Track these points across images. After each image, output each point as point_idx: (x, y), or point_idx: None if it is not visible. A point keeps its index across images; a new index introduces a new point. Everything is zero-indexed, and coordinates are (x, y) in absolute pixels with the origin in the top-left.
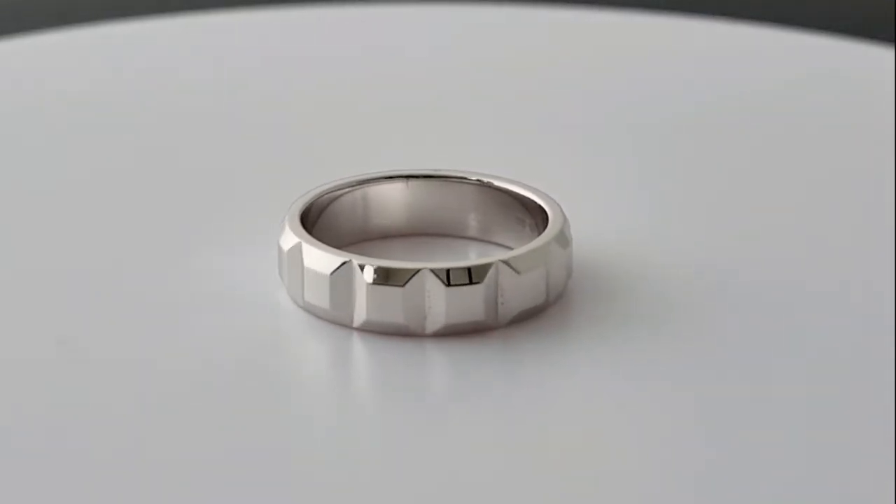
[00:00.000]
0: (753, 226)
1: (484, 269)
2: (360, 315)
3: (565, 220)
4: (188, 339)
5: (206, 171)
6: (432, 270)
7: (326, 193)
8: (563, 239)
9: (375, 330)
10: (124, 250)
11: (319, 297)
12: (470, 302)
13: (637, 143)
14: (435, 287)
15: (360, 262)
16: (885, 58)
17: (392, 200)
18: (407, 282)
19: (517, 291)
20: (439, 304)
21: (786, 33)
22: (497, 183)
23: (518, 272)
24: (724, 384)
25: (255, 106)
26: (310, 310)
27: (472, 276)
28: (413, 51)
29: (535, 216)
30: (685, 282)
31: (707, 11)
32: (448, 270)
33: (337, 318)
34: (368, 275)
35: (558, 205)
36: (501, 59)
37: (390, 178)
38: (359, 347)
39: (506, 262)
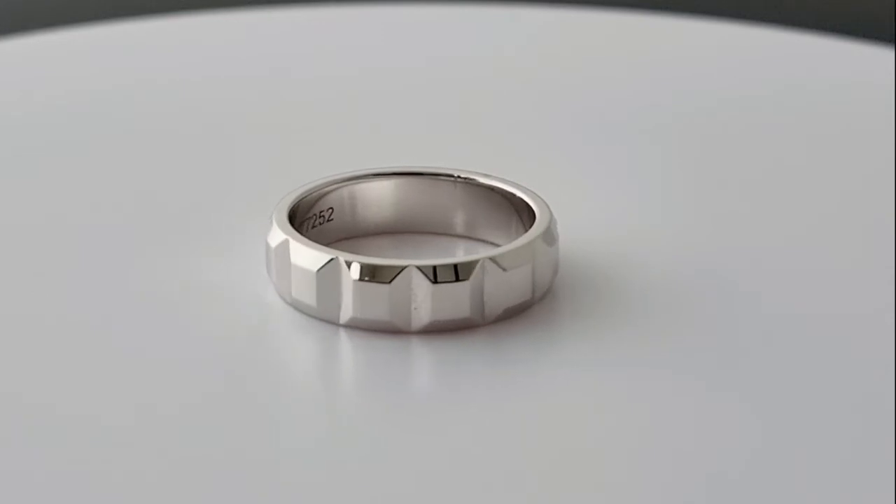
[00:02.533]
0: (745, 225)
1: (393, 270)
2: (292, 291)
3: (552, 217)
4: (173, 307)
5: (199, 168)
6: (346, 261)
7: (314, 191)
8: (549, 237)
9: (295, 307)
10: (117, 245)
11: (267, 268)
12: (377, 298)
13: (631, 142)
14: (346, 278)
15: (296, 241)
16: (885, 58)
17: (379, 198)
18: (321, 268)
19: (432, 298)
20: (348, 294)
21: (786, 33)
22: (483, 180)
23: (433, 281)
24: (713, 379)
25: (248, 105)
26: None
27: (376, 274)
28: (404, 50)
29: (522, 214)
30: (672, 279)
31: (707, 11)
32: (361, 266)
33: (279, 292)
34: (295, 255)
35: (545, 202)
36: (497, 58)
37: (378, 175)
38: (279, 318)
39: (419, 269)
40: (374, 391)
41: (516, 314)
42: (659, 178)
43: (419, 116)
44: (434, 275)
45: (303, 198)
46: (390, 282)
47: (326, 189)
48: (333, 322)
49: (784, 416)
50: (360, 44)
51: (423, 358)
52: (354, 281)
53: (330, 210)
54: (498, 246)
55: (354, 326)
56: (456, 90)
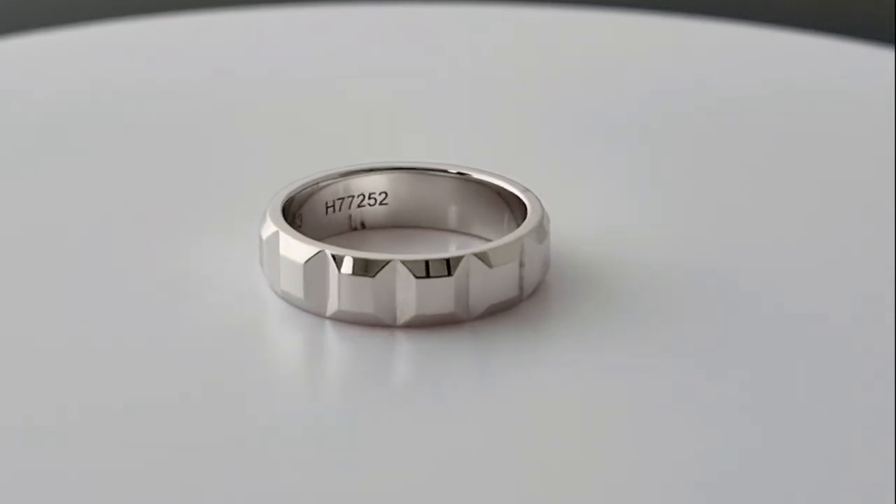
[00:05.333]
0: (742, 225)
1: (379, 264)
2: (280, 283)
3: (544, 213)
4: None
5: (197, 165)
6: (333, 255)
7: (309, 186)
8: (539, 233)
9: (286, 299)
10: (116, 241)
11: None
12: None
13: (629, 141)
14: (335, 270)
15: (286, 234)
16: (885, 58)
17: (322, 204)
18: (308, 261)
19: (416, 292)
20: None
21: (786, 33)
22: (477, 176)
23: (417, 276)
24: (704, 376)
25: (246, 102)
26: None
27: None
28: (403, 50)
29: (515, 210)
30: (667, 279)
31: (707, 11)
32: (299, 256)
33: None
34: (284, 247)
35: (537, 198)
36: (496, 58)
37: (371, 170)
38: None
39: (404, 263)
40: (355, 382)
41: (502, 311)
42: (657, 177)
43: (418, 114)
44: (489, 262)
45: (297, 192)
46: (452, 273)
47: (320, 184)
48: (320, 314)
49: (778, 412)
50: (359, 43)
51: (406, 352)
52: (281, 255)
53: (384, 194)
54: (489, 241)
55: (341, 319)
56: (454, 89)
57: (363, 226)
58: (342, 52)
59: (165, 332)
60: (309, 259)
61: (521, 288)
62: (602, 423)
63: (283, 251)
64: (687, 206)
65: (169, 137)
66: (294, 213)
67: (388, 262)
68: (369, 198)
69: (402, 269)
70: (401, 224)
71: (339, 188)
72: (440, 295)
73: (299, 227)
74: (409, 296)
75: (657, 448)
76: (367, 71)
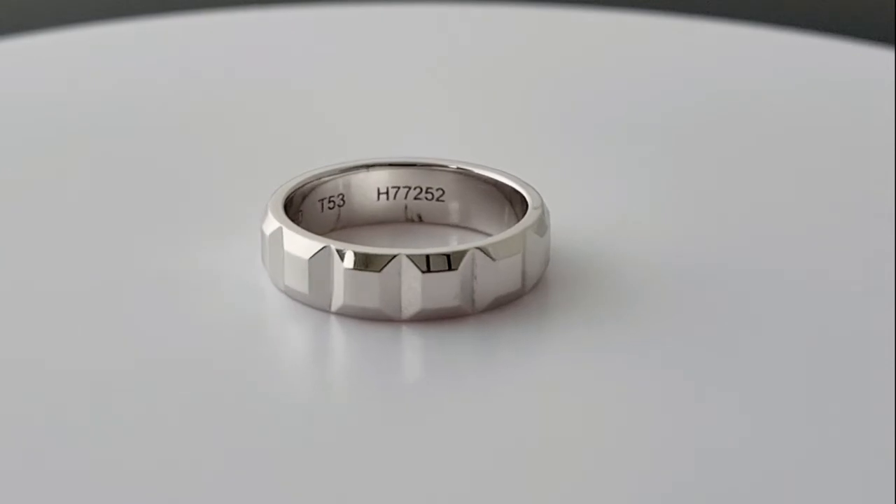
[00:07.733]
0: (742, 223)
1: (384, 258)
2: (285, 280)
3: (544, 207)
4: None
5: (198, 163)
6: (338, 251)
7: (309, 182)
8: (540, 227)
9: (290, 295)
10: (119, 239)
11: (262, 255)
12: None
13: (629, 139)
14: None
15: (289, 230)
16: (885, 58)
17: (373, 188)
18: (313, 257)
19: (422, 286)
20: (339, 282)
21: (786, 33)
22: (477, 171)
23: (424, 271)
24: (702, 371)
25: (246, 102)
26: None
27: (368, 263)
28: (403, 49)
29: (515, 204)
30: (664, 274)
31: (707, 11)
32: (354, 255)
33: (272, 280)
34: (289, 242)
35: (537, 192)
36: (496, 57)
37: (371, 166)
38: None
39: (410, 258)
40: (365, 378)
41: (506, 304)
42: (656, 174)
43: (418, 113)
44: (427, 264)
45: (298, 188)
46: (381, 270)
47: (320, 180)
48: (325, 310)
49: (776, 410)
50: (360, 43)
51: (413, 346)
52: (346, 270)
53: (441, 190)
54: (490, 235)
55: (345, 314)
56: (455, 88)
57: (420, 218)
58: (342, 52)
59: (167, 328)
60: (271, 233)
61: (523, 281)
62: (601, 419)
63: (262, 226)
64: (686, 202)
65: (169, 137)
66: (296, 208)
67: (323, 247)
68: (426, 192)
69: (336, 257)
70: (456, 222)
71: (339, 183)
72: (368, 289)
73: (335, 206)
74: (339, 285)
75: (658, 440)
76: (366, 70)
